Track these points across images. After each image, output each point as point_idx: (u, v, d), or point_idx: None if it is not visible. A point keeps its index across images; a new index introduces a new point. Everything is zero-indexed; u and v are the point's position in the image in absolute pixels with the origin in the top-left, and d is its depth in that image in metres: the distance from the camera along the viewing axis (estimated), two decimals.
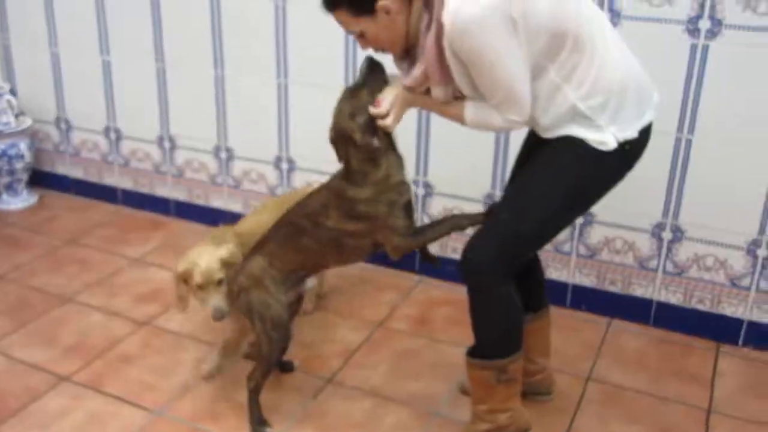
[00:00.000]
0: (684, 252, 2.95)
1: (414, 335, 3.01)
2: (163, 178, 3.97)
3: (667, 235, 2.96)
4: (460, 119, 2.10)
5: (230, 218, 3.83)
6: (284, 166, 3.61)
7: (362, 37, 2.05)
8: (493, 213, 2.19)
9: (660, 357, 2.89)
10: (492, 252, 2.10)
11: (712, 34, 2.66)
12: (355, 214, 2.24)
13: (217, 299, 2.49)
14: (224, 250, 2.52)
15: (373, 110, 2.12)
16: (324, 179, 3.50)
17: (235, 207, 3.82)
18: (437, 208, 3.32)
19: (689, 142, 2.81)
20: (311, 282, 2.52)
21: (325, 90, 3.35)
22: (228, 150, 3.74)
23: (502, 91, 1.95)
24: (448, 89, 2.04)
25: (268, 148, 3.61)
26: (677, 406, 2.62)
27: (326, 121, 3.39)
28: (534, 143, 2.15)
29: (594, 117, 2.00)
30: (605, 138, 2.01)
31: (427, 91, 2.10)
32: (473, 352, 2.26)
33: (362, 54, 3.19)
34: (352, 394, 2.65)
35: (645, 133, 2.09)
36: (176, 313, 3.09)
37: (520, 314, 2.20)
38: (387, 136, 2.19)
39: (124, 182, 4.10)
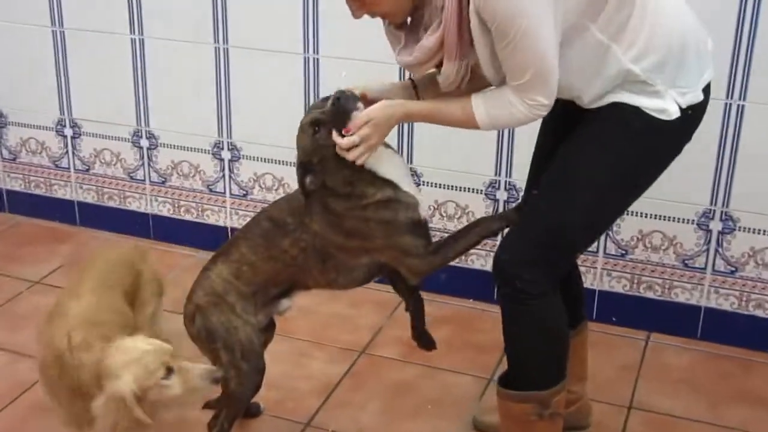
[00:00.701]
0: (738, 246, 3.05)
1: (406, 363, 3.05)
2: (65, 175, 3.94)
3: (716, 225, 3.06)
4: (470, 122, 2.13)
5: (154, 224, 3.82)
6: (225, 154, 3.62)
7: (363, 4, 2.05)
8: (528, 204, 2.24)
9: (714, 377, 2.99)
10: (532, 251, 2.14)
11: None
12: (343, 228, 2.29)
13: (200, 366, 2.23)
14: (146, 337, 2.28)
15: (338, 140, 2.15)
16: (276, 170, 3.59)
17: (161, 209, 3.81)
18: (426, 201, 3.32)
19: (741, 110, 2.91)
20: (287, 303, 2.52)
21: (278, 56, 3.40)
22: (151, 136, 3.73)
23: (534, 67, 1.99)
24: (462, 65, 2.07)
25: (204, 131, 3.62)
26: None
27: (279, 95, 3.45)
28: (568, 114, 2.21)
29: (650, 80, 2.07)
30: (666, 105, 2.08)
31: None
32: (507, 381, 2.30)
33: (325, 12, 3.25)
34: None
35: (706, 92, 2.17)
36: None
37: (567, 331, 2.26)
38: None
39: (11, 182, 4.05)
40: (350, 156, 2.17)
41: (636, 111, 2.09)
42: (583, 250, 2.47)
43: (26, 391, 2.88)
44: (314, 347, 3.13)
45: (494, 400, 2.38)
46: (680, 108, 2.09)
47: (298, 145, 2.27)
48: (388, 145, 2.30)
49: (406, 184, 2.31)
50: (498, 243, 2.27)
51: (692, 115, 2.13)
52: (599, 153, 2.13)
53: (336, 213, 2.28)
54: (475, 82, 2.16)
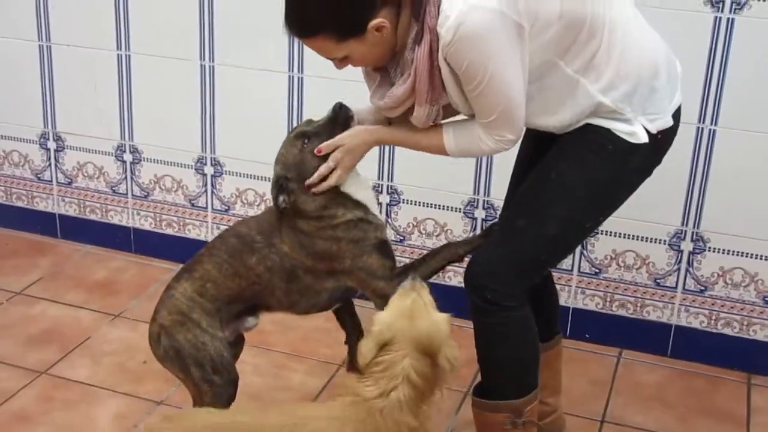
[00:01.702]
0: (708, 266, 3.16)
1: None
2: (47, 188, 3.98)
3: (687, 246, 3.16)
4: (440, 150, 2.26)
5: (135, 237, 3.88)
6: (208, 169, 3.68)
7: (345, 60, 2.17)
8: (494, 231, 2.34)
9: (684, 393, 3.09)
10: (506, 264, 2.23)
11: (738, 5, 2.87)
12: (312, 250, 2.37)
13: None
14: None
15: (313, 179, 2.29)
16: (259, 186, 3.65)
17: (142, 223, 3.86)
18: (406, 219, 3.45)
19: (712, 134, 3.02)
20: (253, 320, 2.58)
21: (263, 74, 3.45)
22: (134, 150, 3.78)
23: (500, 107, 2.10)
24: (434, 109, 2.18)
25: (187, 146, 3.68)
26: None
27: (263, 113, 3.51)
28: (542, 139, 2.31)
29: (620, 109, 2.16)
30: (635, 129, 2.18)
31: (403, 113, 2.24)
32: (481, 391, 2.38)
33: None
34: None
35: (676, 117, 2.27)
36: (80, 358, 3.15)
37: (537, 343, 2.35)
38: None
39: None
40: (330, 181, 2.28)
41: (607, 132, 2.18)
42: (554, 265, 2.55)
43: (9, 400, 2.93)
44: (294, 360, 3.19)
45: (471, 413, 2.45)
46: (649, 133, 2.18)
47: (278, 160, 2.37)
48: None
49: (374, 207, 2.41)
50: (471, 256, 2.35)
51: (662, 139, 2.23)
52: (573, 171, 2.22)
53: (306, 233, 2.36)
54: (447, 117, 2.29)
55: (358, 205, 2.36)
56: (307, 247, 2.36)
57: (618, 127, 2.18)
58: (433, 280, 3.36)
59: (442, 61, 2.07)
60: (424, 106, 2.16)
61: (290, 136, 2.37)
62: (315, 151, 2.29)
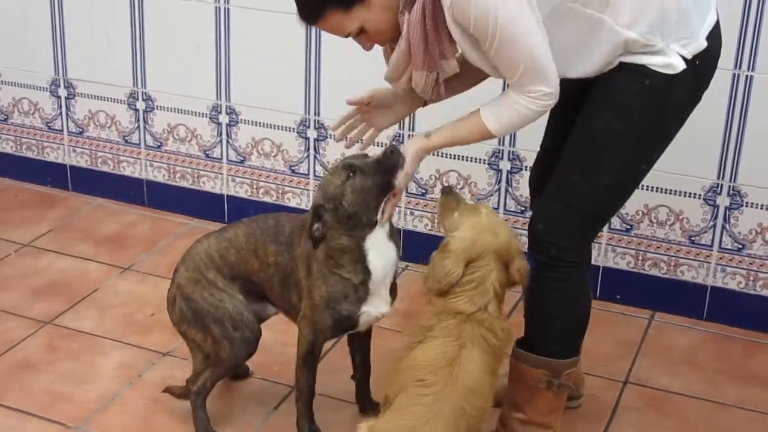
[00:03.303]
0: (745, 222, 3.32)
1: (401, 334, 3.31)
2: (58, 137, 4.23)
3: (723, 200, 3.32)
4: (485, 134, 2.44)
5: (148, 190, 4.16)
6: (223, 118, 3.91)
7: (363, 33, 2.37)
8: (550, 188, 2.53)
9: (716, 356, 3.28)
10: (569, 220, 2.46)
11: None
12: (307, 270, 2.62)
13: None
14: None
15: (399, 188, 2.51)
16: (275, 135, 3.88)
17: (155, 175, 4.12)
18: (427, 171, 3.67)
19: (749, 80, 3.17)
20: (274, 309, 2.84)
21: (280, 17, 3.61)
22: (147, 97, 4.01)
23: (524, 59, 2.26)
24: (431, 76, 2.37)
25: (201, 93, 3.90)
26: (737, 412, 3.01)
27: (280, 58, 3.70)
28: (577, 84, 2.47)
29: (651, 41, 2.32)
30: (670, 60, 2.34)
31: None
32: (523, 345, 2.61)
33: None
34: (325, 404, 2.97)
35: (713, 37, 2.42)
36: (87, 309, 3.44)
37: (589, 307, 2.58)
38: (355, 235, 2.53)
39: (2, 145, 4.36)
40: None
41: (643, 68, 2.35)
42: (615, 213, 2.81)
43: (14, 349, 3.22)
44: None
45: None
46: (685, 59, 2.34)
47: (320, 186, 2.58)
48: (396, 243, 2.62)
49: (381, 289, 2.62)
50: (531, 214, 2.60)
51: (701, 64, 2.38)
52: (617, 116, 2.40)
53: (314, 256, 2.59)
54: (460, 82, 2.51)
55: (365, 271, 2.56)
56: (307, 264, 2.61)
57: (653, 61, 2.35)
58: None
59: (451, 23, 2.27)
60: (420, 71, 2.35)
61: (337, 165, 2.56)
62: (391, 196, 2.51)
